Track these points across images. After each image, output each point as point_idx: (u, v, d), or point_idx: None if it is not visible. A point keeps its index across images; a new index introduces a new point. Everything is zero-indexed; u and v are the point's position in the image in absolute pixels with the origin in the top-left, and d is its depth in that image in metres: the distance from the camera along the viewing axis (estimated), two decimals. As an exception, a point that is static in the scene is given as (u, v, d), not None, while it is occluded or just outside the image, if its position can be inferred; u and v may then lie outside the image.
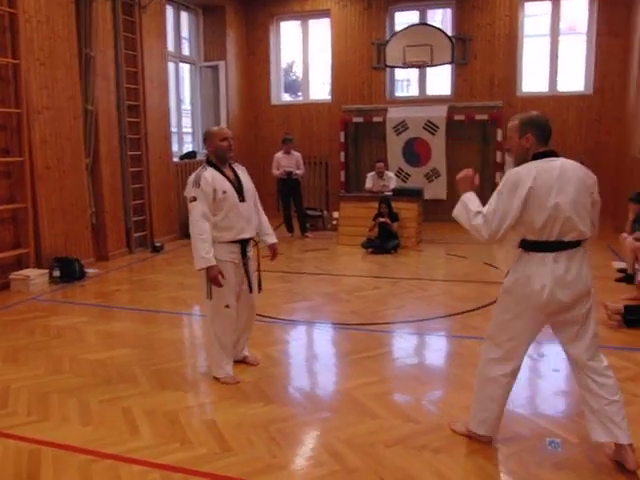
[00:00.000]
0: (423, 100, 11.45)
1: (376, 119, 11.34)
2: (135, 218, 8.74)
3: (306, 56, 12.30)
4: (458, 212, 2.95)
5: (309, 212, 10.65)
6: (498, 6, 10.73)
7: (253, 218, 4.06)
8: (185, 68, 11.36)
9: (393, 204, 8.71)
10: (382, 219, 8.59)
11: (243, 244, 3.99)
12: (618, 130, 10.31)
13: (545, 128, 2.85)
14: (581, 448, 3.14)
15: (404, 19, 11.55)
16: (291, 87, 15.50)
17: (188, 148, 11.27)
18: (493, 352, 3.02)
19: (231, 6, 11.56)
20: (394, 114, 11.20)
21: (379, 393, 3.87)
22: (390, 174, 9.71)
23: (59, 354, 4.64)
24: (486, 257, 8.19)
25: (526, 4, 10.84)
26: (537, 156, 2.81)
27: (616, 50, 10.29)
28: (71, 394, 3.90)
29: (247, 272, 4.05)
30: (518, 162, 2.88)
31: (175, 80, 10.70)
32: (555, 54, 10.80)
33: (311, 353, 4.78)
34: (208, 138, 3.96)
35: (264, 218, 4.21)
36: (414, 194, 9.27)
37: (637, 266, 6.28)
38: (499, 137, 10.70)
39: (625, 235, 6.42)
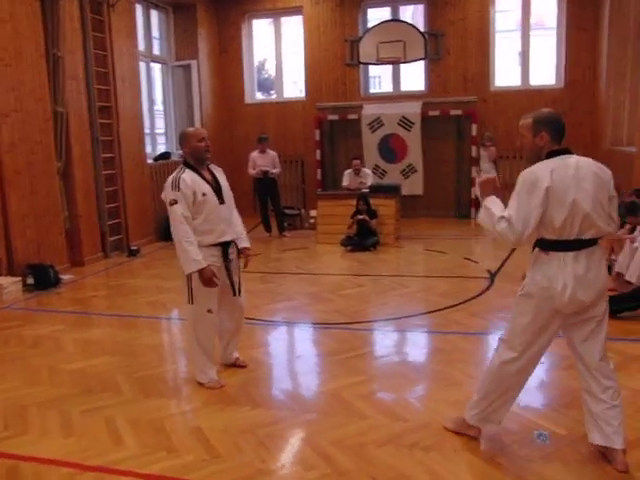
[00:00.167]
0: (397, 96, 11.45)
1: (351, 116, 11.32)
2: (110, 222, 8.58)
3: (279, 54, 12.22)
4: (482, 218, 2.87)
5: (286, 211, 10.59)
6: (469, 2, 10.78)
7: (233, 220, 4.00)
8: (156, 68, 11.19)
9: (371, 201, 8.69)
10: (360, 216, 8.57)
11: (224, 247, 3.92)
12: (590, 122, 10.44)
13: (559, 126, 2.80)
14: (568, 440, 3.16)
15: (377, 15, 11.55)
16: (264, 86, 15.40)
17: (162, 149, 11.10)
18: (507, 355, 2.94)
19: (202, 4, 11.42)
20: (369, 111, 11.19)
21: (366, 392, 3.85)
22: (367, 171, 9.70)
23: (36, 364, 4.52)
24: (465, 252, 8.23)
25: (497, 0, 10.90)
26: (551, 154, 2.77)
27: (585, 44, 10.42)
28: (50, 406, 3.80)
29: (230, 275, 3.98)
30: (531, 161, 2.82)
31: (147, 80, 10.54)
32: (526, 49, 10.88)
33: (296, 354, 4.73)
34: (184, 139, 3.87)
35: (239, 221, 4.12)
36: (392, 190, 9.27)
37: (613, 257, 6.36)
38: (474, 132, 10.76)
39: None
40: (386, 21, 10.94)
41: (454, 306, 5.61)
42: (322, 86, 11.68)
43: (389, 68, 11.61)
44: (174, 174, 3.82)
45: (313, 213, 10.16)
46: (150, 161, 9.98)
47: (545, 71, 11.16)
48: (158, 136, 11.28)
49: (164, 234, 9.78)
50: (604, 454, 2.94)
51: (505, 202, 2.85)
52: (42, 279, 6.78)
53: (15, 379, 4.26)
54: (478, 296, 5.93)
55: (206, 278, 3.74)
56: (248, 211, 9.38)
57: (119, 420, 3.56)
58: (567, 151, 2.79)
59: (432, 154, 11.21)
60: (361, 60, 10.92)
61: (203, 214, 3.80)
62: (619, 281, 5.72)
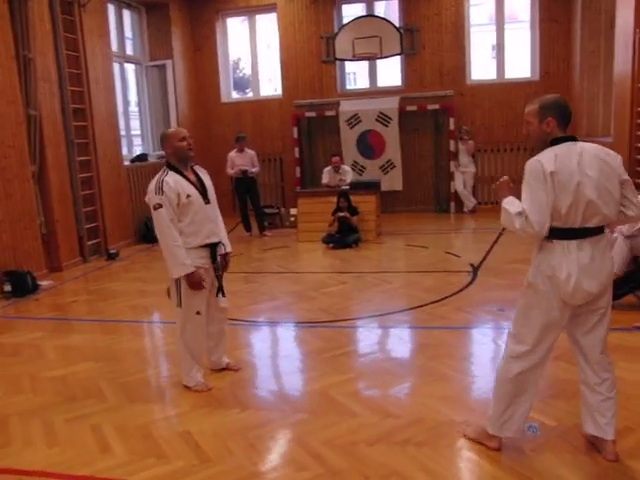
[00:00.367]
0: (374, 92, 11.46)
1: (328, 113, 11.29)
2: (87, 225, 8.43)
3: (254, 52, 12.14)
4: (503, 219, 2.79)
5: (266, 210, 10.53)
6: (443, -4, 10.82)
7: (219, 221, 3.95)
8: (130, 69, 11.04)
9: (351, 198, 8.67)
10: (341, 213, 8.55)
11: (212, 248, 3.87)
12: (565, 114, 10.55)
13: (566, 111, 2.74)
14: (558, 431, 3.17)
15: (352, 11, 11.53)
16: (239, 84, 15.29)
17: (138, 151, 10.97)
18: (516, 349, 2.87)
19: (175, 3, 11.29)
20: (346, 107, 11.17)
21: (355, 390, 3.83)
22: (346, 168, 9.69)
23: (16, 373, 4.41)
24: (446, 246, 8.26)
25: (470, -6, 10.97)
26: (555, 141, 2.71)
27: (559, 36, 10.52)
28: (33, 415, 3.71)
29: (218, 276, 3.93)
30: (539, 148, 2.76)
31: (121, 81, 10.39)
32: (501, 42, 10.95)
33: (283, 354, 4.69)
34: (165, 140, 3.80)
35: (222, 225, 4.06)
36: (372, 187, 9.27)
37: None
38: (451, 126, 10.81)
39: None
40: (361, 17, 10.92)
41: (438, 301, 5.62)
42: (298, 83, 11.63)
43: (365, 64, 11.61)
44: (157, 177, 3.74)
45: (293, 211, 10.12)
46: (127, 163, 9.84)
47: (520, 64, 11.25)
48: (134, 138, 11.13)
49: (143, 237, 9.70)
50: (594, 443, 2.96)
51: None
52: (19, 286, 6.64)
53: (-5, 389, 4.15)
54: (462, 290, 5.94)
55: (194, 282, 3.69)
56: (228, 211, 9.30)
57: (105, 427, 3.49)
58: (572, 138, 2.73)
59: (410, 149, 11.24)
60: (337, 56, 10.90)
61: (189, 216, 3.74)
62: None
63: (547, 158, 2.65)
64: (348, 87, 12.22)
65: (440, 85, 11.00)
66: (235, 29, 12.44)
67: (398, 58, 11.12)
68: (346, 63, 11.65)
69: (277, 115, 11.84)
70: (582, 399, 2.94)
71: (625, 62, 7.28)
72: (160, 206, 3.65)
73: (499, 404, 2.94)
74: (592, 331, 2.82)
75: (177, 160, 3.79)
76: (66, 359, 4.68)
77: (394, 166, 11.12)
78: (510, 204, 2.75)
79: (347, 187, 9.11)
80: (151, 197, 3.71)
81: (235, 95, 13.00)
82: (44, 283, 7.07)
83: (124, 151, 9.94)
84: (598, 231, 2.70)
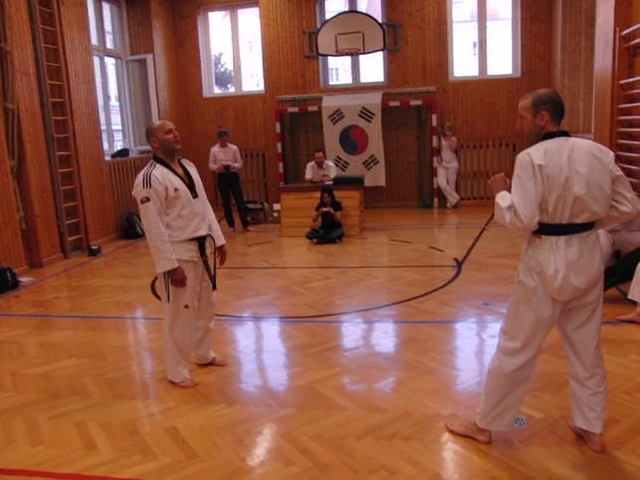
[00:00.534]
0: (357, 88, 11.45)
1: (311, 108, 11.27)
2: (68, 221, 8.32)
3: (236, 47, 12.06)
4: (496, 214, 2.77)
5: (249, 205, 10.49)
6: (426, -8, 10.84)
7: (207, 214, 3.92)
8: (110, 63, 10.90)
9: (335, 193, 8.67)
10: (325, 209, 8.54)
11: (200, 241, 3.84)
12: (546, 111, 10.64)
13: (559, 105, 2.73)
14: (545, 423, 3.20)
15: (334, 7, 11.50)
16: (220, 80, 15.20)
17: (119, 146, 10.84)
18: (507, 345, 2.87)
19: (156, -3, 11.16)
20: (329, 103, 11.16)
21: (342, 384, 3.83)
22: (330, 163, 9.67)
23: (-2, 370, 4.35)
24: (430, 241, 8.29)
25: (453, -10, 11.00)
26: (548, 136, 2.70)
27: (540, 34, 10.60)
28: (16, 413, 3.65)
29: (208, 270, 3.91)
30: (532, 143, 2.74)
31: (101, 75, 10.25)
32: (483, 39, 11.01)
33: (268, 349, 4.66)
34: (151, 134, 3.76)
35: (213, 218, 4.06)
36: (355, 182, 9.26)
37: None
38: (434, 122, 10.84)
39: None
40: (344, 12, 10.89)
41: (423, 295, 5.64)
42: (281, 79, 11.58)
43: (348, 60, 11.60)
44: (144, 170, 3.70)
45: (276, 207, 10.09)
46: (108, 158, 9.73)
47: (502, 61, 11.32)
48: (115, 133, 11.00)
49: (125, 232, 9.60)
50: (581, 435, 2.99)
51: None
52: (-1, 282, 6.54)
53: (-24, 387, 4.08)
54: (446, 285, 5.96)
55: (177, 279, 3.67)
56: (210, 206, 9.22)
57: (90, 424, 3.44)
58: (565, 133, 2.72)
59: (393, 145, 11.27)
60: (320, 52, 10.85)
61: (176, 209, 3.71)
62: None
63: (537, 152, 2.64)
64: (331, 83, 12.21)
65: (423, 81, 11.03)
66: (217, 24, 12.35)
67: (381, 54, 11.12)
68: (329, 58, 11.62)
69: (260, 110, 11.78)
70: (571, 393, 2.97)
71: (605, 60, 7.36)
72: (147, 200, 3.61)
73: (491, 399, 2.95)
74: (583, 326, 2.83)
75: (164, 153, 3.75)
76: (49, 356, 4.61)
77: (377, 162, 11.13)
78: (502, 198, 2.74)
79: (330, 182, 9.10)
80: (138, 190, 3.66)
81: (217, 90, 12.90)
82: (24, 279, 6.96)
83: (105, 146, 9.81)
84: (587, 227, 2.69)
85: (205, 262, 3.90)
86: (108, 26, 10.78)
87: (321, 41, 10.71)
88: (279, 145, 11.52)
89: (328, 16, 11.15)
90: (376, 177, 11.12)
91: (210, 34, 12.13)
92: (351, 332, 4.91)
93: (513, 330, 2.86)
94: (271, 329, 5.17)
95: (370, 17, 10.62)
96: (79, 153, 8.60)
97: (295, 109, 11.40)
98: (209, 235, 3.94)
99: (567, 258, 2.66)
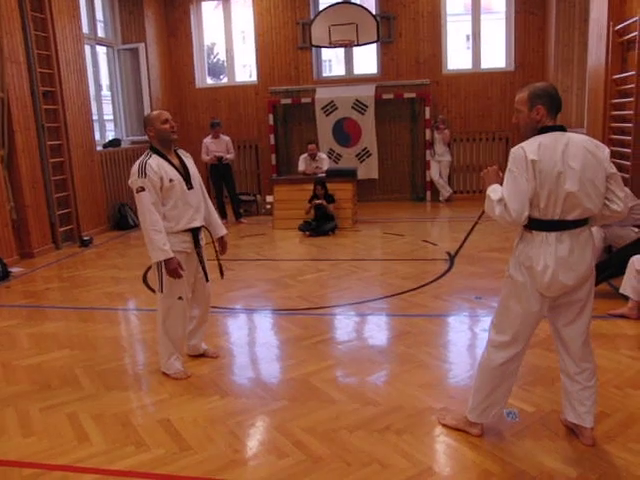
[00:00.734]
0: (351, 79, 11.41)
1: (304, 100, 11.22)
2: (60, 211, 8.26)
3: (229, 37, 11.97)
4: (486, 207, 2.76)
5: (242, 197, 10.46)
6: (420, -16, 10.80)
7: (202, 206, 3.91)
8: (101, 51, 10.79)
9: (328, 185, 8.65)
10: (318, 201, 8.53)
11: (194, 233, 3.83)
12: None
13: (556, 99, 2.70)
14: (537, 416, 3.22)
15: (328, -2, 11.43)
16: (213, 70, 15.10)
17: (110, 136, 10.76)
18: (497, 339, 2.88)
19: (148, -15, 11.05)
20: (322, 94, 11.12)
21: (335, 377, 3.83)
22: (323, 155, 9.65)
23: (-11, 361, 4.32)
24: (423, 234, 8.30)
25: (447, -17, 10.97)
26: (543, 130, 2.68)
27: (534, 28, 10.60)
28: (7, 404, 3.63)
29: (202, 261, 3.90)
30: (528, 137, 2.72)
31: (92, 64, 10.15)
32: (477, 32, 10.99)
33: (262, 341, 4.66)
34: (148, 123, 3.74)
35: (212, 209, 4.06)
36: (348, 174, 9.24)
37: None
38: (427, 115, 10.83)
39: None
40: (337, 3, 10.80)
41: (416, 289, 5.65)
42: (274, 70, 11.52)
43: (341, 51, 11.54)
44: (140, 159, 3.69)
45: (269, 199, 10.07)
46: (100, 148, 9.66)
47: (495, 54, 11.32)
48: (107, 122, 10.91)
49: (117, 223, 9.56)
50: (572, 429, 3.01)
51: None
52: (-11, 273, 6.50)
53: (-33, 378, 4.05)
54: (439, 278, 5.98)
55: (171, 269, 3.65)
56: (209, 198, 9.19)
57: (82, 416, 3.44)
58: (561, 128, 2.70)
59: (387, 137, 11.25)
60: (313, 43, 10.78)
61: (171, 200, 3.70)
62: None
63: (531, 146, 2.63)
64: (324, 74, 12.15)
65: (416, 74, 11.01)
66: (210, 13, 12.25)
67: (374, 46, 11.07)
68: (322, 50, 11.56)
69: (252, 101, 11.73)
70: (562, 387, 2.99)
71: (599, 55, 7.37)
72: (143, 189, 3.60)
73: (480, 392, 2.97)
74: (573, 323, 2.84)
75: (160, 143, 3.74)
76: (40, 347, 4.59)
77: (370, 154, 11.12)
78: (493, 191, 2.73)
79: (323, 175, 9.08)
80: (134, 180, 3.64)
81: (210, 81, 12.82)
82: (15, 270, 6.92)
83: (96, 136, 9.74)
84: (579, 224, 2.67)
85: (199, 254, 3.89)
86: (99, 14, 10.66)
87: (314, 32, 10.64)
88: (272, 137, 11.48)
89: (321, 7, 11.07)
90: (369, 170, 11.11)
91: (203, 24, 12.03)
92: (344, 325, 4.92)
93: (502, 324, 2.88)
94: (264, 321, 5.17)
95: (364, 8, 10.56)
96: (70, 143, 8.53)
97: (288, 100, 11.35)
98: (204, 227, 3.93)
99: (557, 254, 2.65)
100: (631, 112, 6.61)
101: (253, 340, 4.74)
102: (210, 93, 11.98)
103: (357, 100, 10.91)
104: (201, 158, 9.58)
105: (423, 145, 11.04)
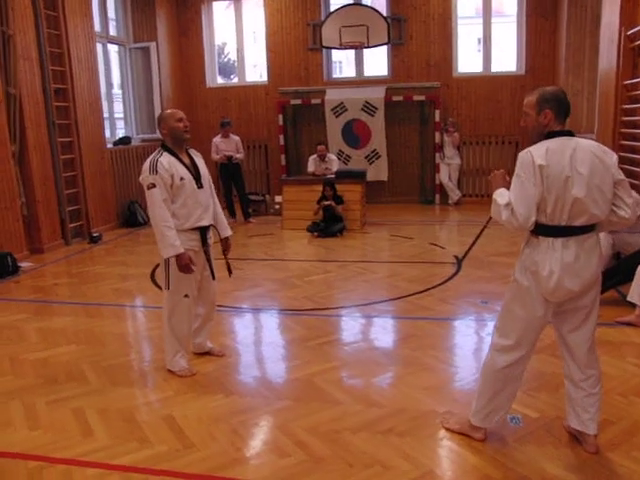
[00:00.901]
0: (361, 81, 11.41)
1: (314, 101, 11.23)
2: (70, 208, 8.32)
3: (240, 37, 12.01)
4: (493, 211, 2.76)
5: (251, 197, 10.48)
6: (431, -13, 10.79)
7: (211, 205, 3.94)
8: (113, 50, 10.85)
9: (336, 187, 8.66)
10: (326, 202, 8.54)
11: (202, 231, 3.86)
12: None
13: (564, 104, 2.69)
14: (541, 422, 3.21)
15: (339, -1, 11.45)
16: (224, 70, 15.15)
17: (121, 134, 10.82)
18: (500, 342, 2.88)
19: (160, -16, 11.11)
20: (332, 96, 11.12)
21: (339, 378, 3.84)
22: (332, 157, 9.66)
23: (-3, 355, 4.36)
24: (431, 237, 8.30)
25: (459, -15, 10.95)
26: (551, 135, 2.67)
27: (545, 32, 10.56)
28: (13, 397, 3.67)
29: (209, 260, 3.93)
30: (535, 140, 2.71)
31: (104, 62, 10.21)
32: (488, 35, 10.97)
33: (267, 341, 4.68)
34: (162, 121, 3.78)
35: (219, 209, 4.09)
36: (357, 176, 9.24)
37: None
38: (437, 118, 10.81)
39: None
40: (348, 5, 10.84)
41: (422, 292, 5.64)
42: (284, 70, 11.54)
43: (352, 53, 11.55)
44: (152, 157, 3.73)
45: (278, 199, 10.08)
46: (110, 146, 9.71)
47: (506, 58, 11.29)
48: (117, 120, 10.98)
49: (126, 221, 9.61)
50: (575, 435, 3.00)
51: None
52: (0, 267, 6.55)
53: (-25, 371, 4.10)
54: (446, 282, 5.97)
55: (183, 264, 3.68)
56: (217, 198, 9.23)
57: (87, 410, 3.47)
58: (569, 133, 2.69)
59: (396, 140, 11.24)
60: (324, 44, 10.81)
61: (181, 198, 3.73)
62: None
63: (538, 151, 2.61)
64: (334, 75, 12.17)
65: (427, 76, 11.00)
66: (221, 13, 12.29)
67: (385, 48, 11.07)
68: (333, 51, 11.57)
69: (262, 102, 11.75)
70: (566, 394, 2.98)
71: (610, 59, 7.34)
72: (154, 186, 3.63)
73: (483, 396, 2.97)
74: (578, 329, 2.82)
75: (172, 141, 3.77)
76: (48, 341, 4.63)
77: (379, 156, 11.12)
78: (500, 196, 2.73)
79: (332, 176, 9.09)
80: (145, 177, 3.68)
81: (220, 80, 12.87)
82: (25, 265, 6.98)
83: (107, 134, 9.80)
84: (586, 230, 2.66)
85: (207, 252, 3.91)
86: (112, 13, 10.74)
87: (325, 33, 10.67)
88: (281, 137, 11.50)
89: (332, 8, 11.09)
90: (378, 172, 11.11)
91: (214, 23, 12.07)
92: (350, 326, 4.92)
93: (505, 327, 2.87)
94: (270, 321, 5.19)
95: (375, 10, 10.57)
96: (81, 140, 8.59)
97: (298, 101, 11.37)
98: (212, 226, 3.95)
99: (563, 260, 2.64)
100: (642, 118, 6.58)
101: (258, 339, 4.76)
102: (220, 93, 12.02)
103: (367, 102, 10.91)
104: (210, 157, 9.62)
105: (432, 148, 11.02)
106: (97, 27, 9.67)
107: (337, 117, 11.12)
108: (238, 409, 3.45)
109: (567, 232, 2.64)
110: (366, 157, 11.15)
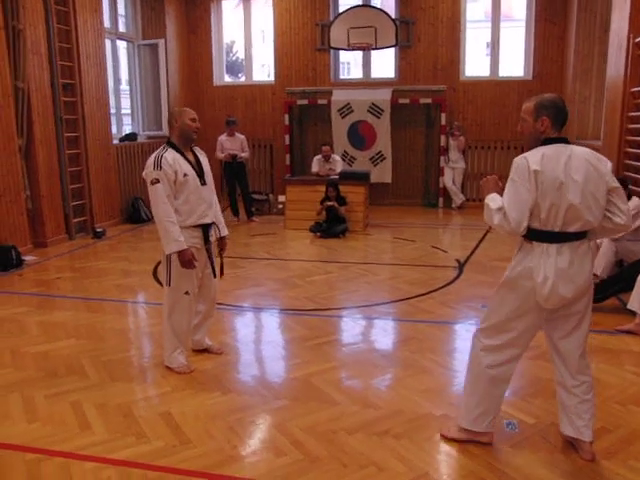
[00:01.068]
0: (368, 83, 11.42)
1: (321, 102, 11.25)
2: (74, 203, 8.36)
3: (248, 36, 12.03)
4: (485, 215, 2.78)
5: (255, 196, 10.51)
6: (440, -10, 10.79)
7: (213, 203, 3.95)
8: (122, 46, 10.89)
9: (340, 188, 8.67)
10: (330, 203, 8.55)
11: (204, 229, 3.87)
12: (556, 115, 10.59)
13: (562, 112, 2.71)
14: (537, 428, 3.22)
15: (348, 0, 11.45)
16: (231, 68, 15.17)
17: (127, 130, 10.85)
18: (486, 343, 2.90)
19: (170, -18, 11.14)
20: (339, 97, 11.13)
21: (337, 379, 3.85)
22: (336, 157, 9.66)
23: (-2, 347, 4.39)
24: (433, 241, 8.30)
25: (468, -11, 10.95)
26: (547, 141, 2.69)
27: (553, 37, 10.56)
28: (13, 389, 3.70)
29: (210, 257, 3.95)
30: (531, 147, 2.74)
31: (112, 58, 10.25)
32: (496, 40, 10.96)
33: (266, 340, 4.70)
34: (177, 115, 3.80)
35: (218, 208, 4.10)
36: (361, 178, 9.24)
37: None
38: (443, 121, 10.81)
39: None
40: (357, 6, 10.86)
41: (423, 295, 5.65)
42: (292, 70, 11.56)
43: (359, 54, 11.55)
44: (156, 152, 3.75)
45: (281, 198, 10.10)
46: (116, 142, 9.75)
47: (514, 63, 11.27)
48: (124, 116, 11.01)
49: (130, 217, 9.64)
50: (572, 443, 3.00)
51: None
52: (3, 260, 6.58)
53: (-25, 362, 4.12)
54: (447, 285, 5.98)
55: (185, 260, 3.70)
56: (217, 197, 9.25)
57: (85, 405, 3.49)
58: (564, 140, 2.71)
59: (401, 142, 11.24)
60: (332, 45, 10.82)
61: (184, 194, 3.75)
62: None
63: (534, 157, 2.64)
64: (341, 76, 12.18)
65: (433, 79, 11.00)
66: (230, 11, 12.32)
67: (392, 50, 11.08)
68: (340, 52, 11.58)
69: (269, 101, 11.77)
70: (559, 400, 2.97)
71: (618, 66, 7.33)
72: (158, 181, 3.65)
73: (471, 398, 2.99)
74: (570, 335, 2.83)
75: (180, 138, 3.80)
76: (49, 335, 4.65)
77: (384, 158, 11.12)
78: (492, 200, 2.75)
79: (336, 177, 9.10)
80: (149, 172, 3.70)
81: (227, 79, 12.90)
82: (28, 258, 7.01)
83: (113, 129, 9.83)
84: (579, 236, 2.68)
85: (208, 250, 3.93)
86: (121, 9, 10.78)
87: (333, 34, 10.68)
88: (287, 137, 11.52)
89: (341, 9, 11.10)
90: (382, 174, 11.11)
91: (223, 22, 12.10)
92: (349, 327, 4.93)
93: (491, 330, 2.89)
94: (270, 320, 5.20)
95: (383, 12, 10.58)
96: (87, 135, 8.62)
97: (304, 101, 11.39)
98: (214, 224, 3.97)
99: (557, 266, 2.65)
100: (648, 126, 6.57)
101: (258, 338, 4.78)
102: (227, 91, 12.05)
103: (373, 104, 10.92)
104: (215, 155, 9.63)
105: (437, 151, 11.02)
106: (107, 23, 9.71)
107: (343, 118, 11.12)
108: (235, 407, 3.46)
109: (561, 238, 2.66)
110: (371, 159, 11.15)
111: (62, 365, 4.06)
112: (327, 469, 2.86)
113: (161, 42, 10.88)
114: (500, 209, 2.66)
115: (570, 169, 2.61)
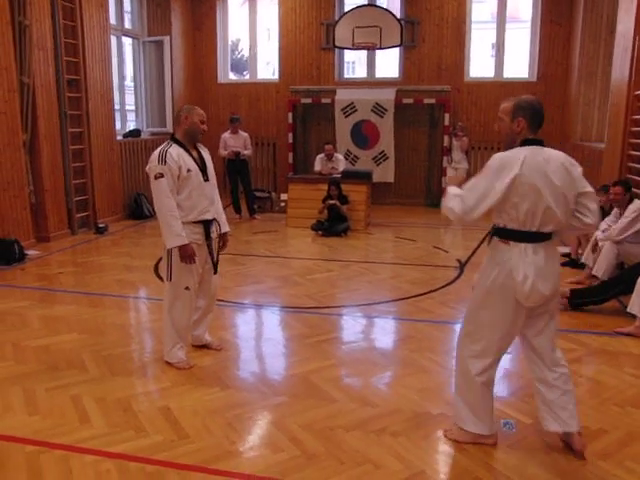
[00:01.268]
0: (372, 82, 11.43)
1: (324, 100, 11.26)
2: (77, 198, 8.39)
3: (253, 34, 12.05)
4: (443, 201, 2.87)
5: (257, 194, 10.52)
6: (446, -10, 10.79)
7: (215, 199, 3.97)
8: (127, 42, 10.92)
9: (342, 186, 8.68)
10: (332, 201, 8.56)
11: (206, 225, 3.89)
12: (560, 117, 10.61)
13: (538, 114, 2.76)
14: (534, 428, 3.22)
15: (353, 0, 11.46)
16: (236, 66, 15.18)
17: (131, 126, 10.88)
18: (472, 348, 2.94)
19: (176, -21, 11.17)
20: (343, 96, 11.14)
21: (336, 377, 3.86)
22: (339, 156, 9.68)
23: (0, 340, 4.41)
24: (435, 241, 8.31)
25: (473, -10, 10.94)
26: (525, 143, 2.74)
27: (559, 39, 10.55)
28: (14, 382, 3.72)
29: (211, 253, 3.97)
30: (506, 146, 2.82)
31: (117, 55, 10.27)
32: (501, 41, 10.95)
33: (266, 337, 4.72)
34: (188, 112, 3.81)
35: (220, 205, 4.12)
36: (363, 177, 9.26)
37: (580, 251, 6.50)
38: (447, 121, 10.81)
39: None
40: (362, 6, 10.88)
41: (423, 294, 5.66)
42: (296, 69, 11.58)
43: (364, 54, 11.57)
44: (161, 147, 3.77)
45: (284, 196, 10.11)
46: (120, 138, 9.77)
47: (519, 64, 11.27)
48: (128, 113, 11.04)
49: (133, 213, 9.67)
50: (565, 441, 3.01)
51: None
52: (6, 254, 6.61)
53: (-23, 355, 4.15)
54: (447, 285, 5.99)
55: (186, 255, 3.72)
56: (218, 192, 9.27)
57: (85, 398, 3.51)
58: (540, 142, 2.76)
59: (404, 142, 11.25)
60: (336, 44, 10.84)
61: (187, 190, 3.77)
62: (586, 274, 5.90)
63: (514, 159, 2.69)
64: (346, 76, 12.19)
65: (438, 80, 11.01)
66: (235, 9, 12.34)
67: (397, 50, 11.09)
68: (345, 51, 11.60)
69: (273, 99, 11.79)
70: (539, 398, 2.98)
71: (623, 69, 7.32)
72: (161, 176, 3.67)
73: (466, 403, 3.02)
74: (543, 332, 2.90)
75: (186, 135, 3.82)
76: (50, 329, 4.68)
77: (387, 157, 11.13)
78: (453, 189, 2.85)
79: (339, 176, 9.11)
80: (152, 166, 3.72)
81: (232, 76, 12.91)
82: (31, 252, 7.04)
83: (117, 125, 9.86)
84: (551, 236, 2.78)
85: (209, 246, 3.95)
86: (127, 6, 10.80)
87: (338, 33, 10.69)
88: (290, 135, 11.53)
89: (347, 8, 11.12)
90: (385, 173, 11.12)
91: (228, 19, 12.12)
92: (349, 326, 4.95)
93: (475, 334, 2.94)
94: (270, 317, 5.22)
95: (388, 12, 10.59)
96: (91, 131, 8.65)
97: (308, 100, 11.40)
98: (215, 220, 3.99)
99: (535, 264, 2.73)
100: (652, 129, 6.56)
101: (258, 335, 4.79)
102: (231, 89, 12.07)
103: (377, 103, 10.92)
104: (218, 153, 9.65)
105: (440, 151, 11.02)
106: (112, 20, 9.73)
107: (346, 117, 11.14)
108: (234, 403, 3.48)
109: (538, 238, 2.74)
110: (373, 158, 11.16)
111: (63, 359, 4.09)
112: (324, 466, 2.87)
113: (166, 39, 10.91)
114: (458, 195, 2.76)
115: (548, 172, 2.68)
